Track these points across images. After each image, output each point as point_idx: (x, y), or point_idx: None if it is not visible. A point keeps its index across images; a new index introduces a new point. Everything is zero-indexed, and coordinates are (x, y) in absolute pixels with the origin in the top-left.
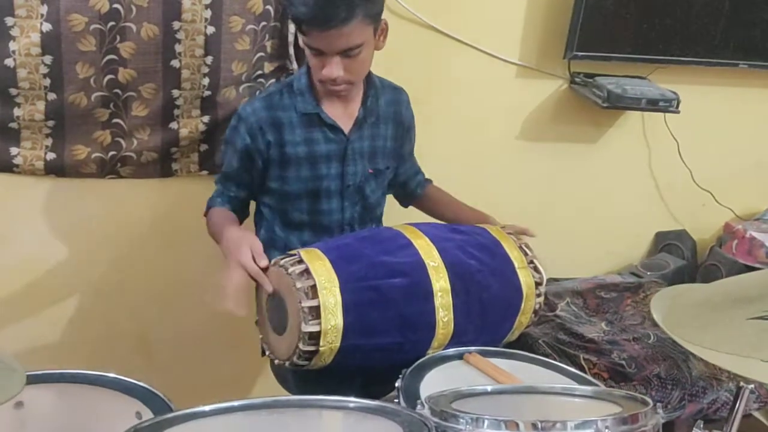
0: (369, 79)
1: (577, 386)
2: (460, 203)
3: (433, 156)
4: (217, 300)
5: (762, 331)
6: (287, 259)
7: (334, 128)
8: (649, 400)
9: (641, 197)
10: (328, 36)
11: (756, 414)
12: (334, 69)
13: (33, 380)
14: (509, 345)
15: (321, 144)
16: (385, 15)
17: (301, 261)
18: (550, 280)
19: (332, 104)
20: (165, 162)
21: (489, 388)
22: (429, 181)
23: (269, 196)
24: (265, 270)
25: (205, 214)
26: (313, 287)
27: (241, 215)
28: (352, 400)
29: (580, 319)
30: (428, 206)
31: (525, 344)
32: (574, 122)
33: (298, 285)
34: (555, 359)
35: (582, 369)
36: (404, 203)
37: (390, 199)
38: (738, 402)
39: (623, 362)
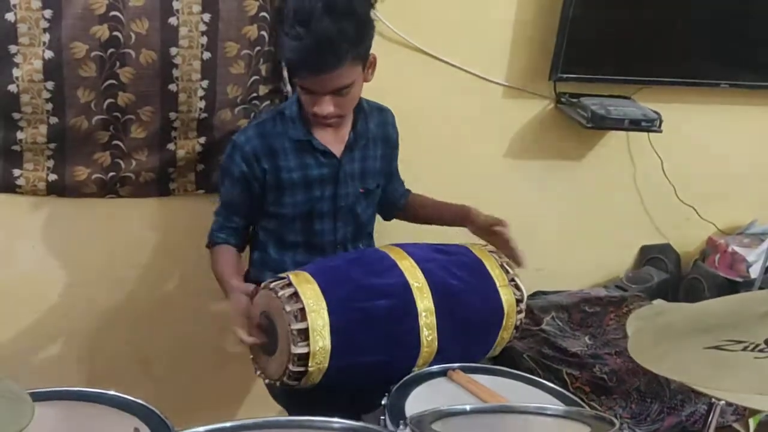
0: (358, 102)
1: (549, 406)
2: (440, 203)
3: (423, 175)
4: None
5: (715, 361)
6: (277, 282)
7: (326, 153)
8: (616, 421)
9: (626, 212)
10: (318, 79)
11: (735, 425)
12: (324, 107)
13: (35, 398)
14: (495, 359)
15: (314, 169)
16: (374, 38)
17: (290, 284)
18: (538, 293)
19: (323, 130)
20: (163, 181)
21: (468, 408)
22: (409, 191)
23: (266, 219)
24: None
25: (207, 246)
26: (302, 310)
27: (244, 245)
28: (337, 421)
29: (565, 333)
30: (412, 214)
31: (510, 358)
32: (560, 141)
33: (288, 308)
34: (539, 373)
35: (564, 383)
36: (387, 217)
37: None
38: (710, 417)
39: (604, 376)
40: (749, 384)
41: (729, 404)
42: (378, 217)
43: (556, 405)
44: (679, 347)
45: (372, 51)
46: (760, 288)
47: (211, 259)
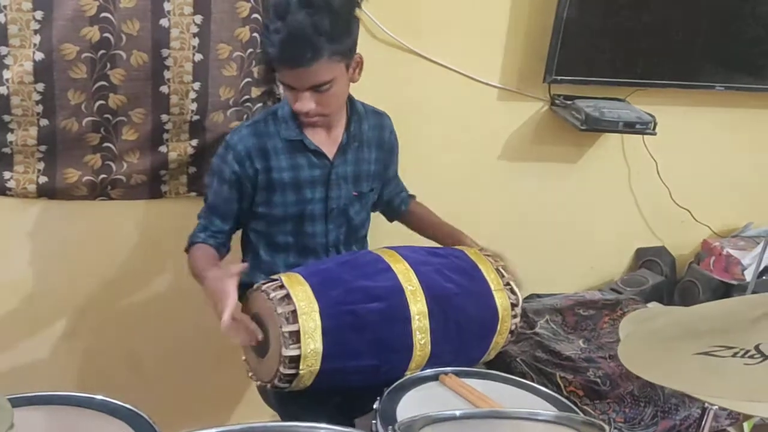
0: (352, 105)
1: (540, 411)
2: (440, 222)
3: (417, 177)
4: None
5: (705, 366)
6: (269, 284)
7: (318, 154)
8: (606, 426)
9: (621, 214)
10: (296, 74)
11: (730, 429)
12: (305, 103)
13: (24, 402)
14: (487, 364)
15: (305, 169)
16: (367, 40)
17: (282, 286)
18: (532, 296)
19: (316, 130)
20: (154, 184)
21: (457, 413)
22: (413, 197)
23: (256, 220)
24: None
25: (186, 250)
26: (294, 312)
27: (223, 250)
28: (323, 427)
29: (558, 336)
30: (411, 222)
31: (503, 362)
32: (555, 143)
33: (279, 310)
34: (532, 377)
35: (558, 387)
36: (390, 219)
37: (374, 217)
38: (703, 422)
39: (598, 380)
40: (738, 391)
41: (723, 408)
42: (373, 219)
43: (548, 410)
44: (669, 353)
45: (364, 53)
46: (754, 292)
47: (188, 262)
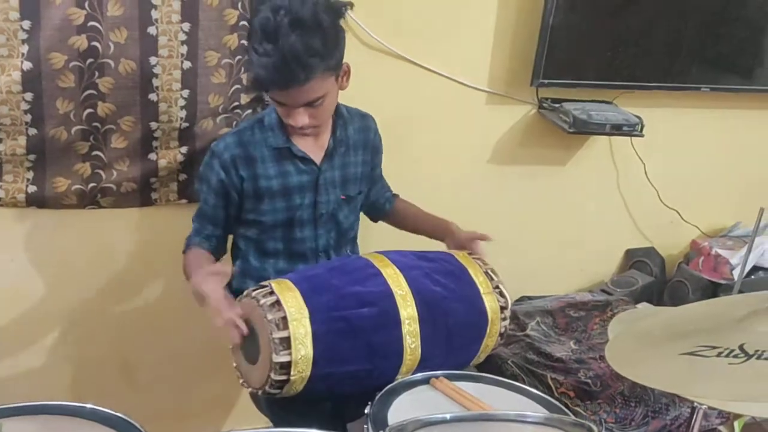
0: (337, 109)
1: (529, 413)
2: (423, 215)
3: (406, 181)
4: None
5: (691, 366)
6: (259, 290)
7: (306, 160)
8: (595, 428)
9: (611, 216)
10: (288, 93)
11: (721, 428)
12: (299, 119)
13: (14, 412)
14: (478, 366)
15: (293, 176)
16: (355, 45)
17: (272, 292)
18: (523, 298)
19: (302, 137)
20: (144, 192)
21: (448, 417)
22: (396, 195)
23: (245, 227)
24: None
25: (183, 251)
26: (284, 318)
27: (220, 252)
28: None
29: (550, 338)
30: (397, 220)
31: (494, 364)
32: (543, 146)
33: (269, 317)
34: (523, 379)
35: (549, 388)
36: (374, 219)
37: (365, 219)
38: (693, 421)
39: (589, 381)
40: (721, 391)
41: (713, 408)
42: (362, 223)
43: (537, 412)
44: (655, 353)
45: (352, 58)
46: (740, 291)
47: (183, 265)
